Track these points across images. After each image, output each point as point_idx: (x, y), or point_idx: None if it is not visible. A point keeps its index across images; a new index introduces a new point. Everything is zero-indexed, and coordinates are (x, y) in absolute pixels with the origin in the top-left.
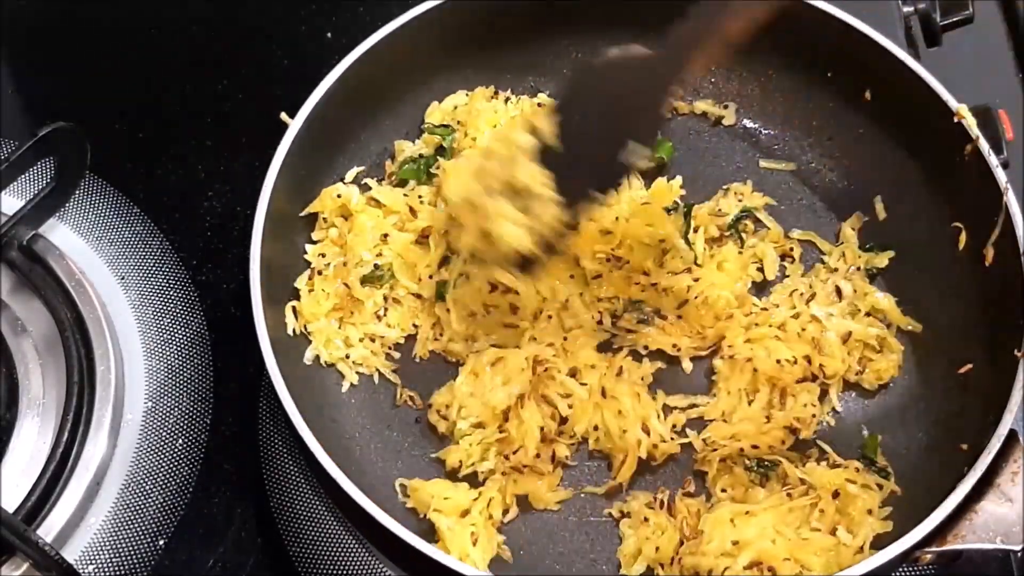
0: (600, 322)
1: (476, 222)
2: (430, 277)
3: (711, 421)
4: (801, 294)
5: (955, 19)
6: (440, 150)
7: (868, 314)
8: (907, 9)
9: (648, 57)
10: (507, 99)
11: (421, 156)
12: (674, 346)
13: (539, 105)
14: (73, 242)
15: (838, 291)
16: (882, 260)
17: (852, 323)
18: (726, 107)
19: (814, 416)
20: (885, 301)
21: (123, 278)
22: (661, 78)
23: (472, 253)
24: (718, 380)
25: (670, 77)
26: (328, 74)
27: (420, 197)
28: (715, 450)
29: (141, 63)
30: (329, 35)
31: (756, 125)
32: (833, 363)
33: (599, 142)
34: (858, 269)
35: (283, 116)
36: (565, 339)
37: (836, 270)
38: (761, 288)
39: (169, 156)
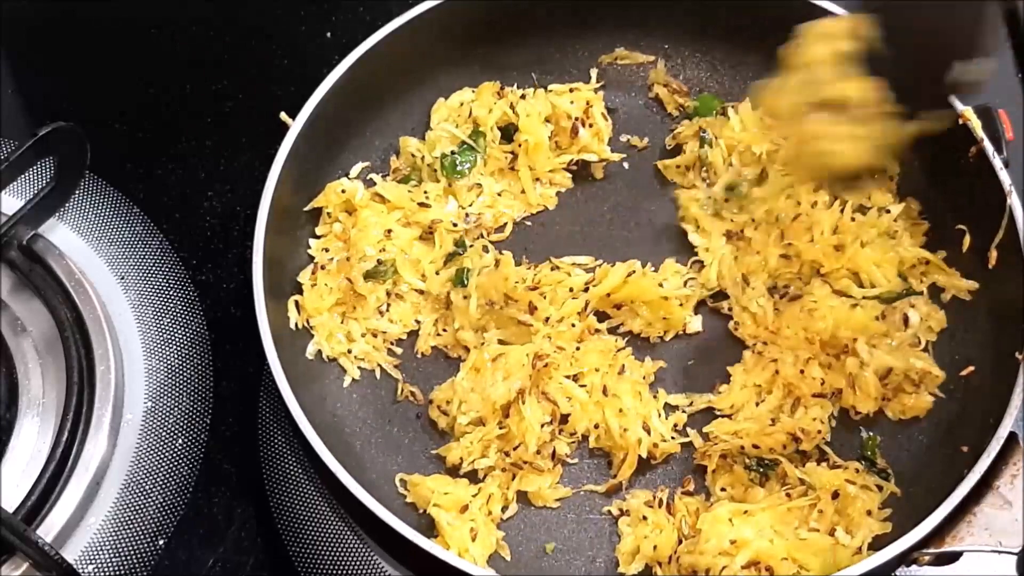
0: (622, 348)
1: (803, 141)
2: (436, 273)
3: (717, 415)
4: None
5: None
6: (469, 148)
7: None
8: None
9: None
10: (523, 95)
11: (453, 152)
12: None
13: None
14: (73, 242)
15: (905, 319)
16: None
17: (894, 358)
18: (733, 107)
19: (819, 432)
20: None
21: (123, 278)
22: None
23: (799, 172)
24: (738, 369)
25: None
26: (329, 74)
27: (426, 193)
28: (716, 444)
29: (141, 63)
30: (329, 35)
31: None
32: (866, 404)
33: (933, 48)
34: (921, 294)
35: (283, 116)
36: (577, 348)
37: None
38: None
39: (169, 156)
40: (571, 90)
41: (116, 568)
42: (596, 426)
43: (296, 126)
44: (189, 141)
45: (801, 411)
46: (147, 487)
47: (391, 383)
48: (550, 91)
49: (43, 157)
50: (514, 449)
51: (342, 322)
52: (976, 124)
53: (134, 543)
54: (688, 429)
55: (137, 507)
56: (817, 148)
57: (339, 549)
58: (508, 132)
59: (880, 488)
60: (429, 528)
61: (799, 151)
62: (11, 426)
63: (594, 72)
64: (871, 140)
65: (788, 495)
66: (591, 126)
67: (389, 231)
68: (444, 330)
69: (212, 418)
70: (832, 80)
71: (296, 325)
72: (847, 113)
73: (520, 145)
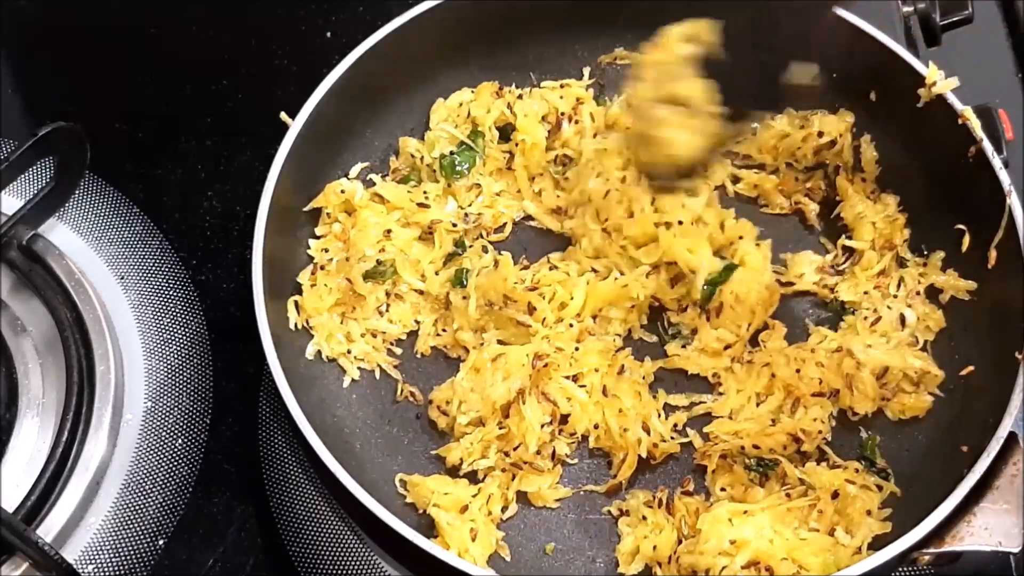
0: (621, 348)
1: (643, 129)
2: (436, 273)
3: (716, 418)
4: (865, 318)
5: (955, 19)
6: (468, 148)
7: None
8: (907, 9)
9: None
10: (520, 95)
11: (452, 152)
12: (714, 375)
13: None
14: (73, 242)
15: (902, 319)
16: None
17: (890, 357)
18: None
19: (820, 433)
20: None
21: (123, 278)
22: None
23: (641, 162)
24: (731, 380)
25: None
26: (329, 74)
27: (425, 193)
28: (716, 444)
29: (141, 63)
30: (329, 35)
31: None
32: (864, 404)
33: (760, 57)
34: (918, 294)
35: (283, 116)
36: (577, 348)
37: (897, 294)
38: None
39: (169, 156)
40: (562, 86)
41: (116, 568)
42: (596, 426)
43: (296, 126)
44: (189, 141)
45: (801, 411)
46: (147, 487)
47: (391, 383)
48: (542, 87)
49: (43, 157)
50: (514, 449)
51: (342, 322)
52: (976, 124)
53: (134, 543)
54: (688, 429)
55: (137, 507)
56: (658, 135)
57: (339, 549)
58: (506, 132)
59: (880, 488)
60: (429, 528)
61: (643, 136)
62: (11, 426)
63: (587, 70)
64: (703, 136)
65: (788, 495)
66: (576, 122)
67: (388, 231)
68: (444, 330)
69: (212, 418)
70: (677, 79)
71: (296, 325)
72: (688, 110)
73: (517, 145)
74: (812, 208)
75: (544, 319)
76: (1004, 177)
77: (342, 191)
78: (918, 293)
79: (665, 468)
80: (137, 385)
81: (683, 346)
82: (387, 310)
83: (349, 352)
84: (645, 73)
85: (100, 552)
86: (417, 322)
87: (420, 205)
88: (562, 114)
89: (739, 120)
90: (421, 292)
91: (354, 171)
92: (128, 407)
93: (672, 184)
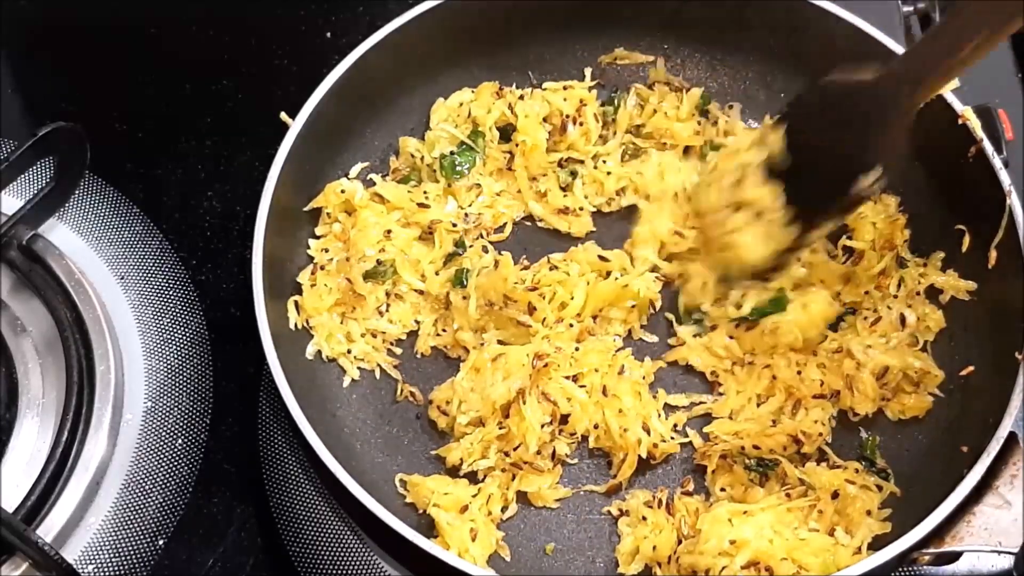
0: (621, 348)
1: (716, 235)
2: (436, 273)
3: (716, 418)
4: (865, 318)
5: None
6: (468, 148)
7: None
8: (907, 9)
9: (879, 80)
10: (521, 95)
11: (452, 152)
12: (712, 372)
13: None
14: (73, 242)
15: (902, 319)
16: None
17: (890, 357)
18: (731, 107)
19: (820, 435)
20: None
21: (123, 278)
22: (897, 103)
23: (714, 266)
24: (731, 381)
25: (908, 103)
26: (329, 74)
27: (425, 193)
28: (716, 445)
29: (141, 63)
30: (329, 35)
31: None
32: (864, 405)
33: (832, 164)
34: (918, 294)
35: (283, 116)
36: (577, 348)
37: (897, 294)
38: None
39: (169, 156)
40: (565, 87)
41: (116, 568)
42: (596, 426)
43: (296, 126)
44: (189, 141)
45: (802, 413)
46: (147, 487)
47: (391, 383)
48: (545, 89)
49: (43, 157)
50: (514, 449)
51: (342, 322)
52: (976, 124)
53: (134, 543)
54: (688, 429)
55: (137, 507)
56: (725, 240)
57: (339, 549)
58: (507, 132)
59: (880, 488)
60: (429, 528)
61: (711, 242)
62: (11, 426)
63: (588, 71)
64: (772, 240)
65: (788, 495)
66: (581, 124)
67: (389, 231)
68: (444, 330)
69: (212, 418)
70: (744, 185)
71: (295, 325)
72: (757, 215)
73: (517, 146)
74: None
75: (544, 319)
76: (1004, 177)
77: (342, 191)
78: (918, 293)
79: (665, 468)
80: (137, 385)
81: (694, 335)
82: (387, 310)
83: (349, 352)
84: (714, 179)
85: (100, 552)
86: (417, 322)
87: (420, 205)
88: (566, 116)
89: (810, 226)
90: (421, 292)
91: (354, 171)
92: (128, 407)
93: (747, 284)
